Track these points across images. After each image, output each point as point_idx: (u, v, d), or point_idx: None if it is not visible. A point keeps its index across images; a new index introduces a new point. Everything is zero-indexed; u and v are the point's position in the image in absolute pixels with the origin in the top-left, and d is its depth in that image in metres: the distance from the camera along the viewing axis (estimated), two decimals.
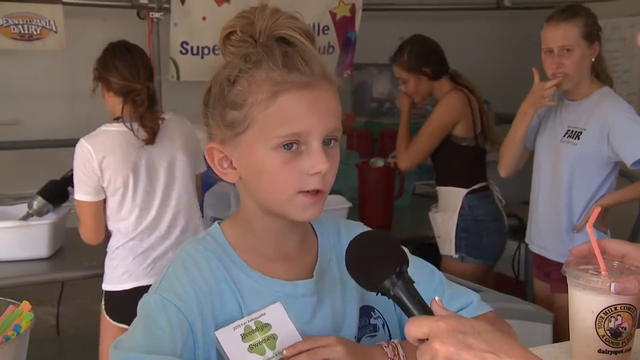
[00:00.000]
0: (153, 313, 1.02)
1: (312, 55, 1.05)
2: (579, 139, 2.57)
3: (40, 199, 2.86)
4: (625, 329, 1.08)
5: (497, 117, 4.99)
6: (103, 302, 2.66)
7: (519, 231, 3.40)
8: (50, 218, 2.83)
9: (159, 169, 2.62)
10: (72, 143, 3.74)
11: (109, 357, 0.98)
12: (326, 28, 4.14)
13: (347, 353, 1.04)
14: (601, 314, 1.08)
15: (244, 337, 1.04)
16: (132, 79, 2.54)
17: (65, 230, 2.96)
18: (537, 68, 2.63)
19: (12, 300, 0.86)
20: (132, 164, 2.55)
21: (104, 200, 2.60)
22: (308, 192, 1.04)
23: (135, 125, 2.54)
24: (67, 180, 2.93)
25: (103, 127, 2.58)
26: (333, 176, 1.07)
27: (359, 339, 1.14)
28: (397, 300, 0.92)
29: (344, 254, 0.98)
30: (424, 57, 3.12)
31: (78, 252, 2.92)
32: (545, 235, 2.72)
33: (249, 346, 1.03)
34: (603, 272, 1.09)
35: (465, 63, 5.05)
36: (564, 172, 2.61)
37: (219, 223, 1.15)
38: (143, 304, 1.05)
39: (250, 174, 1.07)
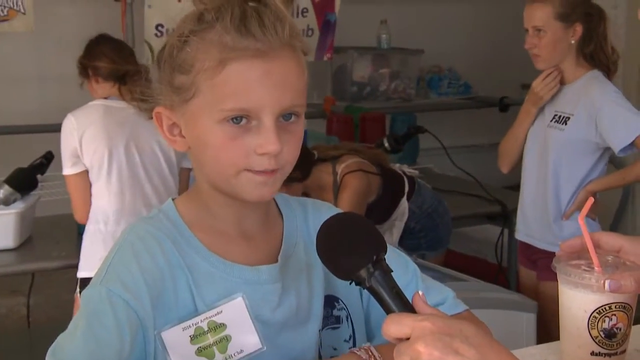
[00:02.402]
0: (98, 309, 0.92)
1: (278, 18, 0.93)
2: (566, 124, 2.51)
3: (7, 187, 2.76)
4: (620, 329, 1.01)
5: (479, 100, 4.95)
6: (78, 290, 2.58)
7: (502, 217, 3.36)
8: (18, 207, 2.72)
9: (137, 152, 2.57)
10: (42, 129, 3.65)
11: None
12: (305, 10, 4.04)
13: None
14: (594, 314, 1.00)
15: (193, 338, 0.94)
16: (122, 62, 2.55)
17: (34, 219, 2.86)
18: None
19: None
20: (110, 140, 2.52)
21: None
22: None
23: (123, 104, 2.52)
24: (36, 168, 2.84)
25: (90, 102, 2.59)
26: (292, 154, 0.96)
27: (320, 331, 1.04)
28: (374, 292, 0.83)
29: (312, 237, 0.89)
30: None
31: (47, 243, 2.82)
32: (532, 223, 2.66)
33: (198, 349, 0.94)
34: (596, 268, 1.01)
35: (447, 46, 5.00)
36: (550, 158, 2.55)
37: (172, 199, 1.04)
38: (87, 297, 0.94)
39: (196, 145, 0.97)
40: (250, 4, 0.93)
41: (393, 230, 2.96)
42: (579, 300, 1.01)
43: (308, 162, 2.74)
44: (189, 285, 0.96)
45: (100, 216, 2.54)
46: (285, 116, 0.94)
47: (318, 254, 0.88)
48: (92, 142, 2.50)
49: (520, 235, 2.74)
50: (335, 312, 1.06)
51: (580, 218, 1.04)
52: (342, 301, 1.07)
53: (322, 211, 1.08)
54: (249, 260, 1.00)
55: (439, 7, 4.95)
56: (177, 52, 0.95)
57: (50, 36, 3.95)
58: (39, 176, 2.84)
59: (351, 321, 1.07)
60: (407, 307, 0.83)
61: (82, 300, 0.94)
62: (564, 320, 1.04)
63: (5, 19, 3.55)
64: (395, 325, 0.78)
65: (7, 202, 2.75)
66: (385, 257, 1.01)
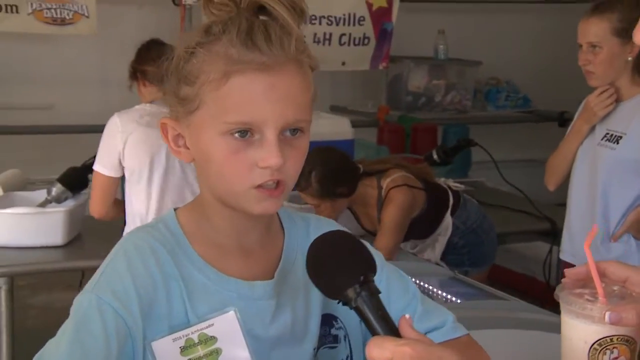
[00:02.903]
0: (87, 316, 0.92)
1: (285, 33, 0.93)
2: (618, 143, 2.42)
3: (59, 185, 2.85)
4: None
5: (538, 114, 4.84)
6: None
7: (551, 234, 3.28)
8: (68, 205, 2.81)
9: (176, 159, 2.57)
10: (102, 129, 3.76)
11: None
12: (362, 19, 4.04)
13: None
14: (595, 345, 0.96)
15: (183, 350, 0.94)
16: None
17: (84, 218, 2.93)
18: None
19: None
20: (152, 146, 2.55)
21: (120, 183, 2.61)
22: (262, 186, 0.94)
23: (167, 108, 2.53)
24: (88, 168, 2.91)
25: (137, 106, 2.64)
26: (295, 168, 0.96)
27: (317, 350, 1.04)
28: (360, 313, 0.83)
29: None
30: (334, 178, 2.61)
31: (95, 241, 2.87)
32: (578, 243, 2.58)
33: None
34: (600, 298, 0.97)
35: (506, 58, 4.92)
36: (600, 177, 2.46)
37: (175, 209, 1.05)
38: (77, 303, 0.95)
39: (200, 158, 0.98)
40: (260, 17, 0.94)
41: (436, 245, 2.92)
42: (580, 331, 0.97)
43: (354, 177, 2.72)
44: (182, 297, 0.96)
45: (139, 219, 2.59)
46: (290, 131, 0.94)
47: (307, 272, 0.88)
48: (134, 147, 2.55)
49: (566, 255, 2.66)
50: (333, 331, 1.05)
51: (586, 246, 1.01)
52: (340, 320, 1.06)
53: (323, 228, 1.05)
54: (245, 274, 1.00)
55: (498, 17, 4.87)
56: (183, 64, 0.96)
57: (113, 39, 4.06)
58: (90, 176, 2.92)
59: (349, 341, 1.06)
60: (393, 330, 0.82)
61: (73, 306, 0.95)
62: (565, 351, 1.01)
63: (71, 22, 3.69)
64: (377, 349, 0.78)
65: (59, 200, 2.83)
66: (383, 279, 1.00)
